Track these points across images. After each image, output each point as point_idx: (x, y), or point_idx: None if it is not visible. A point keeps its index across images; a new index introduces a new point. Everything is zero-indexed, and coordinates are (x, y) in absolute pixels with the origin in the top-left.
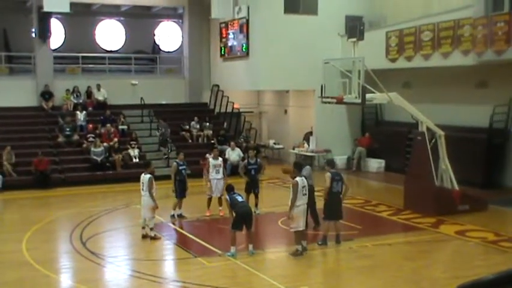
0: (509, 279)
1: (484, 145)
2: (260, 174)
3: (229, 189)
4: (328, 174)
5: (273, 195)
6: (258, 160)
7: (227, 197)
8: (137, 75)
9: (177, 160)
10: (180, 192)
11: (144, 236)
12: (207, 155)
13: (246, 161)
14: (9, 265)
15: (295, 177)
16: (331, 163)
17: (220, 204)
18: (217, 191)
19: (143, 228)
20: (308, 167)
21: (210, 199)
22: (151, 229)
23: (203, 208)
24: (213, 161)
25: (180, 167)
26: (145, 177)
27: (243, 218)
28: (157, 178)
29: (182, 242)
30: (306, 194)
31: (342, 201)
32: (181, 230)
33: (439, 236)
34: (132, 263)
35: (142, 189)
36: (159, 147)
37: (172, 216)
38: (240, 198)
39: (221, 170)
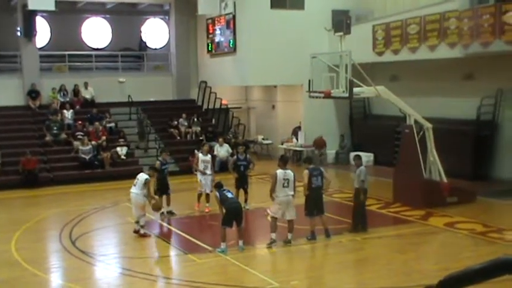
0: (494, 268)
1: (472, 137)
2: (249, 170)
3: (219, 186)
4: (305, 171)
5: (263, 191)
6: (248, 156)
7: (217, 194)
8: (124, 72)
9: (160, 159)
10: (162, 190)
11: (136, 232)
12: (196, 151)
13: (235, 157)
14: None
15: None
16: (308, 159)
17: (207, 200)
18: (206, 187)
19: (136, 223)
20: (363, 167)
21: (200, 195)
22: (142, 227)
23: (192, 205)
24: (203, 157)
25: (163, 166)
26: (142, 176)
27: (233, 215)
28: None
29: (172, 239)
30: (287, 186)
31: (323, 195)
32: (171, 227)
33: (428, 228)
34: (122, 261)
35: (134, 185)
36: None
37: (162, 213)
38: (230, 195)
39: (209, 166)
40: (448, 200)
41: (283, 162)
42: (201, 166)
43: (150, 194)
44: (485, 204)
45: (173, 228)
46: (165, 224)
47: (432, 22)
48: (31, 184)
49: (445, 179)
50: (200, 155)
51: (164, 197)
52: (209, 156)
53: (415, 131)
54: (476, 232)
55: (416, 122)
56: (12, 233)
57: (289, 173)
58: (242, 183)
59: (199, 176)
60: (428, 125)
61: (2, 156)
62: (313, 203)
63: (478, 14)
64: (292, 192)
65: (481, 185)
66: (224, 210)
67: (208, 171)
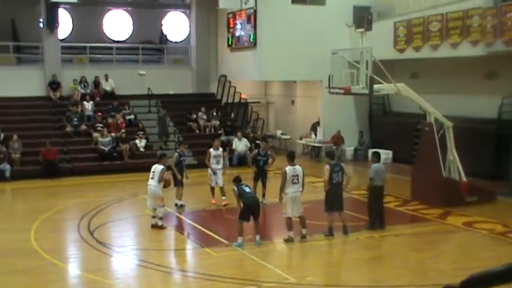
0: None
1: (493, 136)
2: (268, 165)
3: (237, 180)
4: (326, 167)
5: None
6: (268, 152)
7: (235, 188)
8: (145, 65)
9: (178, 151)
10: (180, 181)
11: (154, 226)
12: None
13: (256, 151)
14: (18, 254)
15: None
16: (330, 154)
17: (223, 194)
18: (217, 180)
19: (153, 217)
20: (377, 165)
21: (212, 188)
22: (160, 218)
23: (209, 198)
24: (214, 152)
25: (181, 158)
26: (158, 167)
27: (250, 209)
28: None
29: (189, 232)
30: (297, 183)
31: (343, 191)
32: (188, 220)
33: (446, 227)
34: (139, 253)
35: (152, 178)
36: (162, 136)
37: (178, 206)
38: (248, 189)
39: (221, 160)
40: (467, 199)
41: (291, 158)
42: (212, 161)
43: (162, 178)
44: (506, 204)
45: (190, 221)
46: (182, 217)
47: (454, 19)
48: (51, 174)
49: (464, 178)
50: (211, 150)
51: (176, 188)
52: (220, 150)
53: (435, 129)
54: (496, 232)
55: (436, 120)
56: (32, 223)
57: (298, 169)
58: (261, 176)
59: (209, 171)
60: (448, 124)
61: (22, 146)
62: (333, 199)
63: (501, 12)
64: (301, 189)
65: (501, 185)
66: (242, 205)
67: (220, 166)
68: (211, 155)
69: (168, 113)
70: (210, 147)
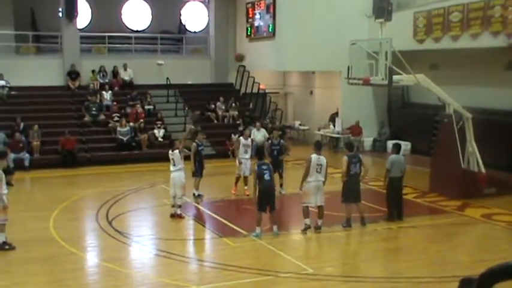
0: None
1: None
2: (284, 156)
3: (260, 157)
4: (345, 158)
5: (299, 177)
6: (281, 141)
7: (255, 168)
8: (163, 55)
9: (196, 141)
10: (200, 172)
11: (173, 215)
12: (233, 136)
13: (270, 141)
14: (37, 242)
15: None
16: (349, 146)
17: (246, 183)
18: (245, 170)
19: (173, 206)
20: (395, 156)
21: (238, 178)
22: (179, 207)
23: (227, 188)
24: (244, 141)
25: (199, 148)
26: (175, 152)
27: (265, 196)
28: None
29: (207, 222)
30: (320, 172)
31: (361, 183)
32: (206, 210)
33: (464, 219)
34: (157, 242)
35: (173, 165)
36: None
37: (195, 195)
38: (267, 176)
39: (249, 150)
40: (486, 191)
41: (317, 147)
42: (241, 150)
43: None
44: None
45: (208, 211)
46: (200, 207)
47: (476, 10)
48: (69, 164)
49: (483, 170)
50: (241, 139)
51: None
52: (249, 140)
53: (454, 121)
54: None
55: (455, 111)
56: (51, 212)
57: (323, 159)
58: (276, 167)
59: (238, 160)
60: (468, 115)
61: (41, 135)
62: (350, 191)
63: None
64: (323, 178)
65: None
66: (257, 191)
67: (248, 155)
68: (241, 143)
69: (186, 103)
70: (230, 135)
